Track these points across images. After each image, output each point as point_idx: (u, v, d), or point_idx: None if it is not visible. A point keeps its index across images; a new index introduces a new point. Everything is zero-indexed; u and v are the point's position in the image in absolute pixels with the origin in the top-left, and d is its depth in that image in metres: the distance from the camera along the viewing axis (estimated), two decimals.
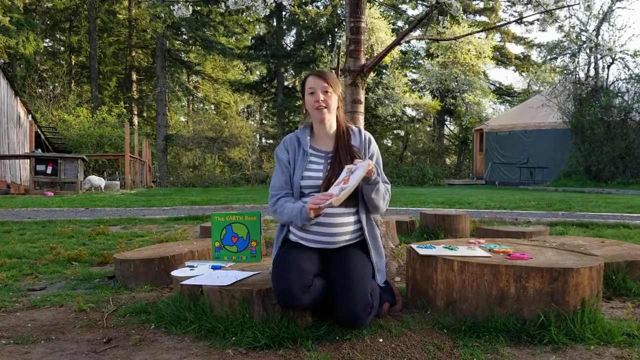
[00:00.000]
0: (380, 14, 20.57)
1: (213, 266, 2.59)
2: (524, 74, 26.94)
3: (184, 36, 27.96)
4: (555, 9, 3.64)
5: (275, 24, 27.69)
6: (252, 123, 32.56)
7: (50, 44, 32.39)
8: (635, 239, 4.61)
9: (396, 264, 3.36)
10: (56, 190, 14.17)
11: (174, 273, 2.49)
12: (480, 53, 22.54)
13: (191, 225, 6.18)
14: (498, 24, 26.27)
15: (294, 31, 28.01)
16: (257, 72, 34.49)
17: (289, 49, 27.78)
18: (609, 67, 17.01)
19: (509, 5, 27.39)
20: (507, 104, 28.86)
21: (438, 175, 21.84)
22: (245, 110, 35.92)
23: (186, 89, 29.19)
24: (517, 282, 2.07)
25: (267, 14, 4.33)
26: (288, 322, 2.05)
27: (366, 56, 3.61)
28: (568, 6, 3.71)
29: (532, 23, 25.98)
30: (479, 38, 22.84)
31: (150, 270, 3.02)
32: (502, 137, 19.25)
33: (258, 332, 2.00)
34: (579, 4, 3.64)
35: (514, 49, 35.29)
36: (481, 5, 28.59)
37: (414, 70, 28.51)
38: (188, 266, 2.64)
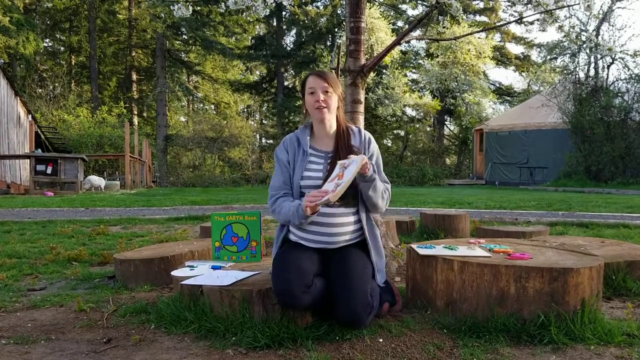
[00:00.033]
0: (380, 14, 20.57)
1: (213, 266, 2.59)
2: (524, 74, 26.95)
3: (184, 36, 27.97)
4: (555, 9, 3.64)
5: (275, 24, 27.69)
6: (252, 123, 32.57)
7: (50, 44, 32.40)
8: (635, 239, 4.61)
9: (396, 264, 3.36)
10: (56, 190, 14.17)
11: (174, 273, 2.49)
12: (480, 53, 22.55)
13: (191, 225, 6.18)
14: (498, 24, 26.28)
15: (294, 31, 28.02)
16: (257, 72, 34.50)
17: (289, 49, 27.79)
18: (609, 67, 17.02)
19: (509, 5, 27.42)
20: (507, 104, 28.87)
21: (438, 175, 21.84)
22: (245, 110, 35.92)
23: (186, 89, 29.20)
24: (517, 282, 2.07)
25: (267, 14, 4.33)
26: (288, 322, 2.05)
27: (366, 56, 3.61)
28: (568, 6, 3.71)
29: (532, 23, 26.00)
30: (479, 38, 22.84)
31: (150, 270, 3.02)
32: (502, 137, 19.25)
33: (258, 332, 2.00)
34: (579, 4, 3.64)
35: (514, 49, 35.33)
36: (481, 5, 28.60)
37: (414, 70, 28.52)
38: (188, 266, 2.64)
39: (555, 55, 18.47)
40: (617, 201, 9.74)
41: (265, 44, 27.23)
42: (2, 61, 19.02)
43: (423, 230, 4.93)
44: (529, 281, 2.06)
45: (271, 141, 29.74)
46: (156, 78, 27.27)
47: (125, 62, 32.03)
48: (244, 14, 25.83)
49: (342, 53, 3.71)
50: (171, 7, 18.68)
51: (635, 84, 16.04)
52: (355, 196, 2.22)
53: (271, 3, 4.03)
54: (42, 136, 19.11)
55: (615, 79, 16.94)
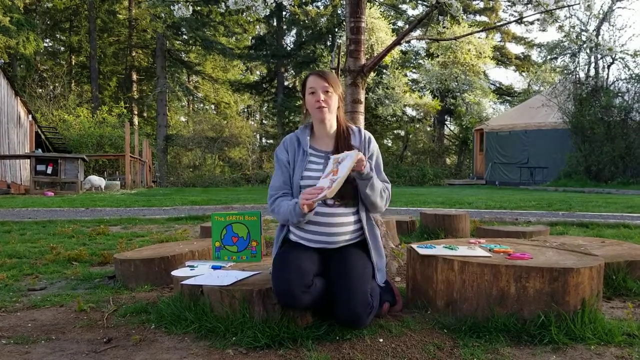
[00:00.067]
0: (381, 14, 20.57)
1: (213, 266, 2.59)
2: (524, 73, 26.94)
3: (184, 36, 27.98)
4: (555, 9, 3.64)
5: (275, 24, 27.70)
6: (252, 123, 32.58)
7: (50, 44, 32.42)
8: (635, 239, 4.61)
9: (396, 263, 3.36)
10: (56, 190, 14.17)
11: (174, 273, 2.49)
12: (480, 53, 22.55)
13: (191, 225, 6.18)
14: (498, 24, 26.28)
15: (294, 31, 28.03)
16: (257, 72, 34.51)
17: (289, 49, 27.79)
18: (609, 67, 17.02)
19: (509, 5, 27.42)
20: (507, 104, 28.87)
21: (438, 175, 21.84)
22: (246, 110, 35.93)
23: (186, 89, 29.21)
24: (518, 282, 2.07)
25: (267, 14, 4.33)
26: (288, 322, 2.05)
27: (366, 56, 3.61)
28: (568, 6, 3.71)
29: (532, 23, 26.02)
30: (479, 38, 22.84)
31: (150, 270, 3.02)
32: (502, 137, 19.25)
33: (258, 332, 2.00)
34: (579, 4, 3.64)
35: (514, 49, 35.35)
36: (481, 5, 28.61)
37: (414, 70, 28.52)
38: (188, 266, 2.64)
39: (555, 55, 18.47)
40: (618, 201, 9.74)
41: (265, 44, 27.24)
42: (3, 61, 19.01)
43: (423, 230, 4.93)
44: (529, 281, 2.06)
45: (271, 141, 29.75)
46: (156, 78, 27.28)
47: (126, 62, 32.04)
48: (244, 14, 25.83)
49: (342, 53, 3.70)
50: (171, 7, 18.69)
51: (636, 84, 16.04)
52: (355, 196, 2.22)
53: (271, 3, 4.03)
54: (43, 136, 19.12)
55: (615, 79, 16.94)
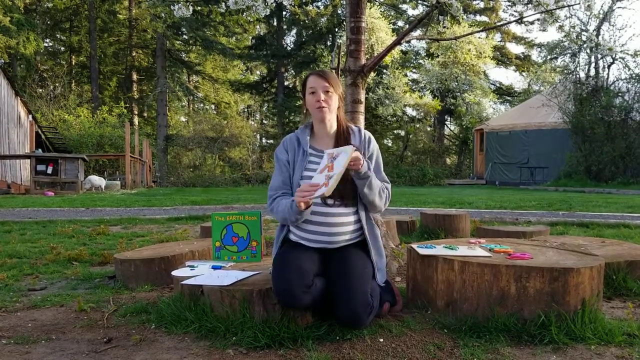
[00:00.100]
0: (381, 14, 20.58)
1: (213, 266, 2.59)
2: (524, 73, 26.94)
3: (184, 36, 27.98)
4: (555, 9, 3.64)
5: (275, 24, 27.71)
6: (253, 123, 32.59)
7: (50, 44, 32.42)
8: (635, 239, 4.61)
9: (397, 263, 3.36)
10: (57, 190, 14.17)
11: (175, 273, 2.49)
12: (480, 53, 22.55)
13: (191, 225, 6.18)
14: (498, 23, 26.28)
15: (294, 31, 28.03)
16: (258, 72, 34.52)
17: (289, 49, 27.79)
18: (609, 67, 17.01)
19: (509, 5, 27.41)
20: (508, 103, 28.87)
21: (438, 175, 21.84)
22: (246, 110, 35.94)
23: (186, 89, 29.21)
24: (518, 282, 2.07)
25: (267, 14, 4.34)
26: (288, 322, 2.05)
27: (366, 56, 3.61)
28: (568, 6, 3.71)
29: (532, 23, 26.01)
30: (479, 38, 22.84)
31: (150, 270, 3.02)
32: (502, 137, 19.25)
33: (258, 332, 2.00)
34: (579, 3, 3.64)
35: (514, 48, 35.35)
36: (481, 5, 28.61)
37: (414, 70, 28.53)
38: (188, 266, 2.64)
39: (555, 55, 18.47)
40: (618, 201, 9.74)
41: (265, 44, 27.24)
42: (3, 61, 19.01)
43: (423, 230, 4.93)
44: (529, 281, 2.06)
45: (271, 141, 29.75)
46: (156, 78, 27.29)
47: (126, 62, 32.05)
48: (244, 13, 25.81)
49: (343, 53, 3.71)
50: (171, 7, 18.69)
51: (636, 84, 16.04)
52: (355, 196, 2.22)
53: (271, 3, 4.03)
54: (43, 136, 19.12)
55: (615, 79, 16.94)
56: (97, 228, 5.59)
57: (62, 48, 32.60)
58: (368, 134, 2.36)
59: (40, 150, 17.81)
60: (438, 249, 2.46)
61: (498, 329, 2.04)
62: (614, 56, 16.45)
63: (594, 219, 6.50)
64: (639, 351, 1.91)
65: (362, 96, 3.54)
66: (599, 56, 16.91)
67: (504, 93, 29.53)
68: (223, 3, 4.26)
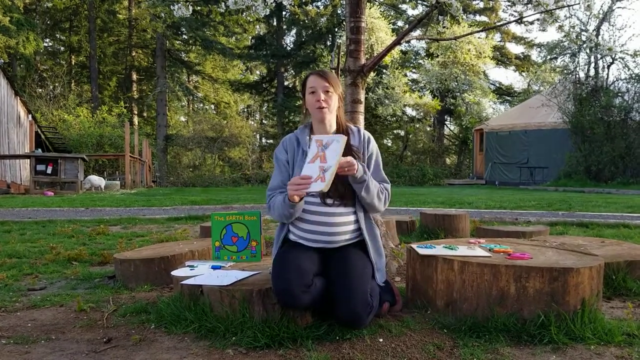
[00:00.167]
0: (381, 14, 20.57)
1: (213, 266, 2.59)
2: (524, 73, 26.95)
3: (184, 36, 27.96)
4: (555, 9, 3.64)
5: (275, 23, 27.69)
6: (252, 123, 32.58)
7: (50, 43, 32.41)
8: (635, 239, 4.61)
9: (396, 263, 3.36)
10: (56, 190, 14.17)
11: (174, 273, 2.49)
12: (480, 53, 22.55)
13: (191, 225, 6.18)
14: (498, 23, 26.28)
15: (294, 31, 28.01)
16: (257, 72, 34.50)
17: (289, 48, 27.78)
18: (609, 67, 17.02)
19: (509, 5, 27.42)
20: (507, 103, 28.87)
21: (438, 175, 21.84)
22: (245, 110, 35.93)
23: (186, 88, 29.20)
24: (517, 281, 2.07)
25: (267, 14, 4.34)
26: (288, 321, 2.05)
27: (366, 56, 3.61)
28: (568, 6, 3.71)
29: (532, 23, 26.00)
30: (479, 38, 22.84)
31: (150, 270, 3.02)
32: (502, 137, 19.25)
33: (258, 331, 2.00)
34: (579, 3, 3.64)
35: (514, 48, 35.38)
36: (481, 5, 28.60)
37: (414, 70, 28.52)
38: (188, 266, 2.64)
39: (555, 55, 18.47)
40: (617, 201, 9.74)
41: (265, 44, 27.23)
42: (2, 61, 19.02)
43: (423, 230, 4.93)
44: (529, 281, 2.06)
45: (271, 141, 29.75)
46: (156, 78, 27.28)
47: (125, 62, 32.03)
48: (244, 13, 25.83)
49: (342, 53, 3.70)
50: (171, 7, 18.68)
51: (636, 84, 16.04)
52: (354, 196, 2.22)
53: (271, 3, 4.03)
54: (42, 136, 19.12)
55: (615, 79, 16.95)
56: (97, 228, 5.59)
57: (62, 48, 32.58)
58: (367, 134, 2.36)
59: (39, 150, 17.80)
60: (438, 249, 2.46)
61: (498, 329, 2.04)
62: (613, 56, 16.45)
63: (594, 219, 6.50)
64: (638, 351, 1.91)
65: (362, 96, 3.54)
66: (599, 56, 16.92)
67: (503, 93, 29.53)
68: (223, 3, 4.26)
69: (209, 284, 2.20)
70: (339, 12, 24.62)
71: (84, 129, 21.41)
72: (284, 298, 2.00)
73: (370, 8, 19.50)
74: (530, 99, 20.73)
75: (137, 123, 29.98)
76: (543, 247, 2.62)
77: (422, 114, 26.33)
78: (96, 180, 15.55)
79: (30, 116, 18.29)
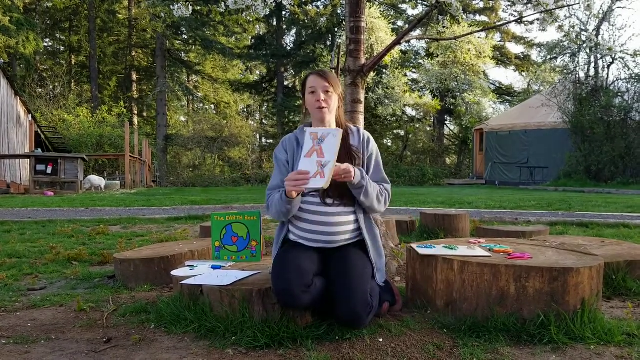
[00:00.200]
0: (380, 14, 20.57)
1: (213, 266, 2.59)
2: (524, 73, 26.95)
3: (184, 36, 27.96)
4: (555, 9, 3.64)
5: (275, 23, 27.69)
6: (252, 123, 32.58)
7: (50, 43, 32.40)
8: (635, 239, 4.61)
9: (396, 263, 3.36)
10: (56, 190, 14.17)
11: (174, 273, 2.49)
12: (480, 53, 22.55)
13: (191, 225, 6.18)
14: (498, 23, 26.29)
15: (294, 31, 28.01)
16: (257, 72, 34.50)
17: (289, 48, 27.78)
18: (609, 66, 17.02)
19: (509, 5, 27.41)
20: (507, 103, 28.87)
21: (438, 175, 21.84)
22: (245, 110, 35.92)
23: (186, 88, 29.20)
24: (517, 281, 2.07)
25: (267, 14, 4.34)
26: (288, 321, 2.05)
27: (366, 56, 3.61)
28: (568, 6, 3.71)
29: (532, 23, 26.01)
30: (479, 38, 22.84)
31: (150, 270, 3.02)
32: (502, 137, 19.25)
33: (258, 331, 2.00)
34: (579, 3, 3.64)
35: (514, 48, 35.39)
36: (481, 5, 28.61)
37: (414, 70, 28.52)
38: (188, 266, 2.64)
39: (555, 55, 18.47)
40: (617, 201, 9.75)
41: (265, 44, 27.23)
42: (2, 61, 19.02)
43: (423, 230, 4.93)
44: (529, 281, 2.06)
45: (271, 141, 29.75)
46: (156, 78, 27.27)
47: (125, 62, 32.03)
48: (244, 13, 25.82)
49: (342, 53, 3.70)
50: (171, 6, 18.67)
51: (635, 84, 16.04)
52: (354, 196, 2.22)
53: (271, 3, 4.03)
54: (42, 136, 19.11)
55: (615, 79, 16.95)
56: (97, 228, 5.59)
57: (62, 48, 32.58)
58: (367, 134, 2.36)
59: (39, 150, 17.80)
60: (438, 248, 2.46)
61: (497, 328, 2.04)
62: (613, 56, 16.46)
63: (594, 218, 6.51)
64: (638, 351, 1.91)
65: (362, 96, 3.54)
66: (599, 56, 16.92)
67: (503, 93, 29.53)
68: (223, 3, 4.26)
69: (209, 283, 2.20)
70: (339, 12, 24.62)
71: (84, 129, 21.41)
72: (284, 298, 2.00)
73: (370, 8, 19.50)
74: (530, 99, 20.73)
75: (137, 123, 29.98)
76: (543, 247, 2.62)
77: (422, 114, 26.33)
78: (96, 180, 15.55)
79: (30, 116, 18.29)
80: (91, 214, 7.96)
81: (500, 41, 28.75)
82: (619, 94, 16.28)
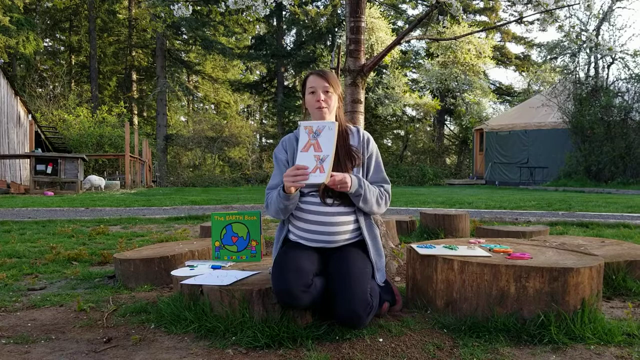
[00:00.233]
0: (381, 14, 20.59)
1: (213, 266, 2.59)
2: (524, 73, 26.95)
3: (184, 36, 27.98)
4: (555, 9, 3.64)
5: (275, 23, 27.70)
6: (252, 123, 32.59)
7: (50, 43, 32.40)
8: (635, 239, 4.61)
9: (396, 263, 3.36)
10: (56, 190, 14.17)
11: (174, 273, 2.49)
12: (480, 53, 22.56)
13: (191, 225, 6.18)
14: (498, 23, 26.27)
15: (294, 31, 28.03)
16: (257, 72, 34.51)
17: (289, 48, 27.80)
18: (609, 66, 17.03)
19: (509, 5, 27.38)
20: (507, 103, 28.88)
21: (438, 175, 21.85)
22: (245, 110, 35.94)
23: (186, 88, 29.21)
24: (517, 281, 2.07)
25: (267, 14, 4.35)
26: (288, 321, 2.05)
27: (366, 56, 3.61)
28: (568, 6, 3.71)
29: (532, 23, 25.91)
30: (479, 38, 22.85)
31: (150, 270, 3.02)
32: (502, 137, 19.26)
33: (258, 331, 2.00)
34: (579, 3, 3.64)
35: (514, 48, 35.44)
36: (481, 5, 28.61)
37: (414, 70, 28.53)
38: (188, 266, 2.64)
39: (555, 55, 18.49)
40: (617, 201, 9.75)
41: (265, 44, 27.24)
42: (2, 61, 19.02)
43: (423, 230, 4.93)
44: (529, 281, 2.06)
45: (271, 141, 29.76)
46: (156, 78, 27.28)
47: (125, 62, 32.03)
48: (244, 13, 25.79)
49: (342, 53, 3.70)
50: (171, 6, 18.66)
51: (636, 84, 16.05)
52: None
53: (271, 3, 4.03)
54: (42, 136, 19.12)
55: (615, 79, 16.96)
56: (97, 228, 5.59)
57: (62, 48, 32.58)
58: (367, 134, 2.36)
59: (39, 149, 17.80)
60: (438, 248, 2.46)
61: (497, 328, 2.04)
62: (613, 56, 16.47)
63: (594, 218, 6.51)
64: (638, 351, 1.91)
65: (362, 96, 3.54)
66: (599, 56, 16.93)
67: (503, 93, 29.54)
68: (223, 3, 4.26)
69: (209, 283, 2.20)
70: (339, 12, 24.63)
71: (84, 129, 21.41)
72: (284, 298, 2.00)
73: (370, 8, 19.51)
74: (530, 99, 20.74)
75: (137, 123, 30.00)
76: (543, 247, 2.62)
77: (422, 113, 26.33)
78: (96, 180, 15.55)
79: (30, 116, 18.29)
80: (91, 214, 7.96)
81: (500, 41, 28.76)
82: (619, 94, 16.28)
